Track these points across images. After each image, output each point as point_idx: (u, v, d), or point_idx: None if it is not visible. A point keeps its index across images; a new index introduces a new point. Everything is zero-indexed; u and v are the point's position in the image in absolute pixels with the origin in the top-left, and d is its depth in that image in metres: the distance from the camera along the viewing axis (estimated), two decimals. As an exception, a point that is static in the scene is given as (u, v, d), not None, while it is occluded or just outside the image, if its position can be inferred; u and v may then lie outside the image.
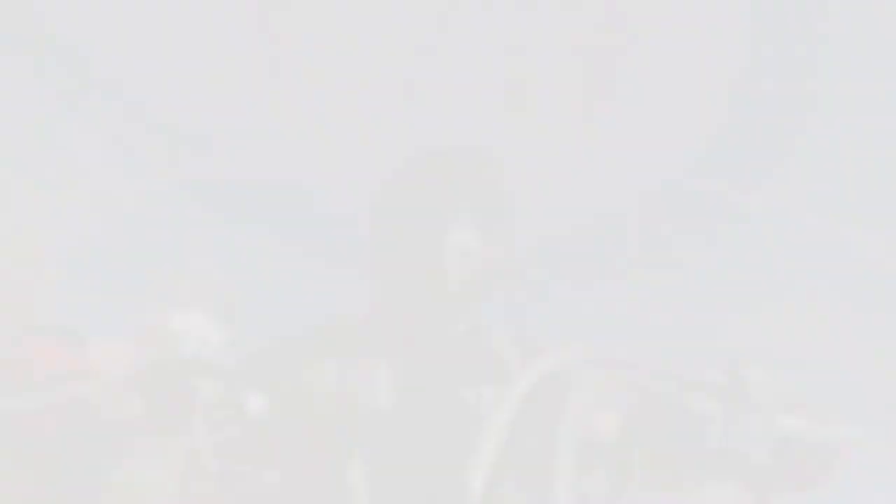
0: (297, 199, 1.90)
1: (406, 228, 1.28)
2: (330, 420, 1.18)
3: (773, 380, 0.81)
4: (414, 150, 1.32)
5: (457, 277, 1.24)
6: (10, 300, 1.25)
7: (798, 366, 1.16)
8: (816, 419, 0.84)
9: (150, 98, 1.78)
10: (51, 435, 0.93)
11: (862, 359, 1.57)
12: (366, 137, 1.78)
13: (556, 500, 0.76)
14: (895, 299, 1.61)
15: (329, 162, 1.82)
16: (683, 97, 1.70)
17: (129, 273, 1.78)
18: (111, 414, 0.89)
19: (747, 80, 1.68)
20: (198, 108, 1.79)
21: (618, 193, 1.73)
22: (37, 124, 1.75)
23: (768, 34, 1.70)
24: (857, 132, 1.65)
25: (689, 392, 0.79)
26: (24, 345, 1.12)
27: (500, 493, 0.83)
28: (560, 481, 0.77)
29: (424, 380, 1.23)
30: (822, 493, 0.89)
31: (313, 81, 1.80)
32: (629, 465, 0.80)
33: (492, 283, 1.31)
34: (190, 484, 0.89)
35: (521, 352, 1.31)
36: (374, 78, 1.78)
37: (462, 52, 1.75)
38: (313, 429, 1.13)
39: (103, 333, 1.40)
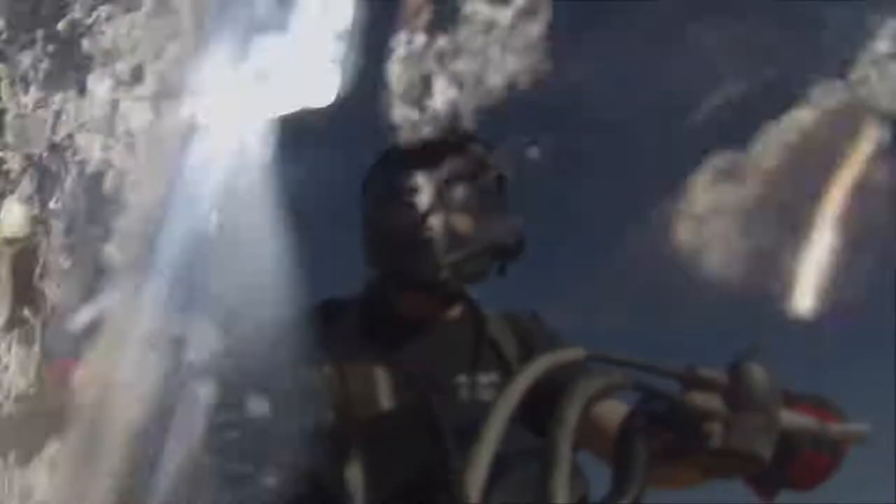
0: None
1: (393, 210, 1.23)
2: (330, 420, 1.15)
3: (775, 376, 0.79)
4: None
5: (446, 260, 1.19)
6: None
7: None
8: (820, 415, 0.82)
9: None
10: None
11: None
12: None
13: (555, 496, 0.73)
14: None
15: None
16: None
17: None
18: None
19: None
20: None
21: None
22: None
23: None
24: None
25: (691, 390, 0.78)
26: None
27: (499, 485, 0.80)
28: (558, 477, 0.74)
29: (419, 368, 1.19)
30: (824, 489, 0.88)
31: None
32: (629, 463, 0.78)
33: (483, 266, 1.27)
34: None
35: (518, 340, 1.28)
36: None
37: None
38: (313, 428, 1.10)
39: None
